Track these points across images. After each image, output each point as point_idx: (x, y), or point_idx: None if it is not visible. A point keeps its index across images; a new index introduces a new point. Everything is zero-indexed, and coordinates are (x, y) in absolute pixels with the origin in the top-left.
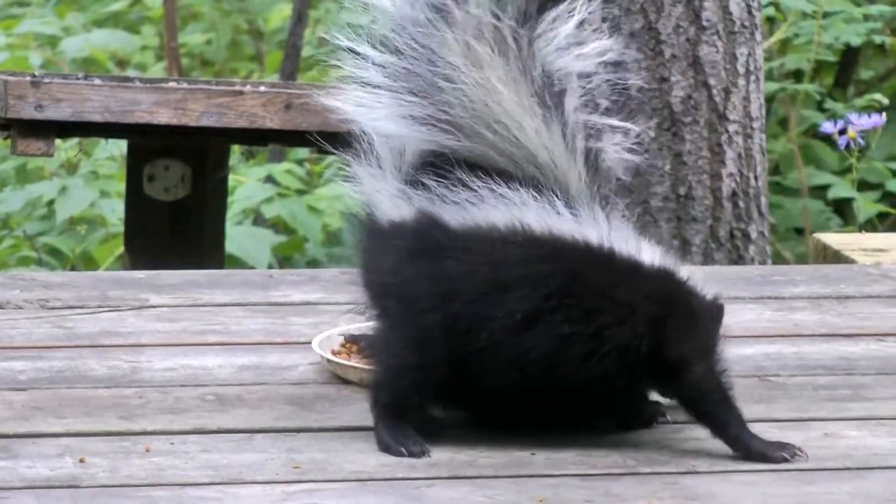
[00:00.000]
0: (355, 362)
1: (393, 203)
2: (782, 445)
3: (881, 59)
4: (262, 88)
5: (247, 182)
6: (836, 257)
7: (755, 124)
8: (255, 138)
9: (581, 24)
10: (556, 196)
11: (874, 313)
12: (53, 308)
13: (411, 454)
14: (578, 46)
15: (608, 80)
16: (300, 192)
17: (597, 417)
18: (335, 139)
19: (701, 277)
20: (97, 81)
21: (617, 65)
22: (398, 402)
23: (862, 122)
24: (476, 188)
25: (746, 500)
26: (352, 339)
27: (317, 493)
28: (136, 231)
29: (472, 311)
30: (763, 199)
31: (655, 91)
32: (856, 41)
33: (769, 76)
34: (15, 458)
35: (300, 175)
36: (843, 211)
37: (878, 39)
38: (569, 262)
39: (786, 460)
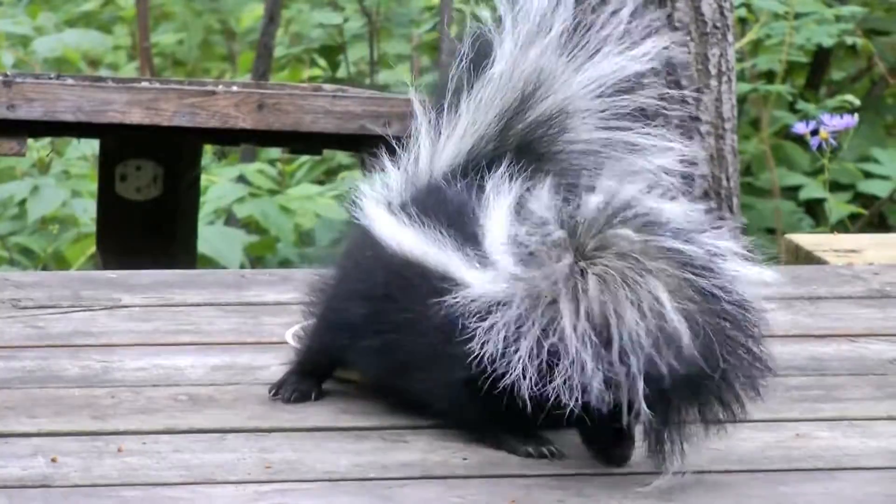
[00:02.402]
0: None
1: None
2: None
3: (853, 60)
4: (235, 88)
5: (219, 182)
6: (807, 258)
7: (727, 125)
8: (227, 138)
9: None
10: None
11: (846, 314)
12: (25, 308)
13: (292, 399)
14: None
15: None
16: (272, 192)
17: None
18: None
19: None
20: (69, 81)
21: None
22: (302, 366)
23: (834, 122)
24: None
25: (720, 501)
26: None
27: (289, 492)
28: (108, 231)
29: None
30: (735, 200)
31: None
32: (827, 42)
33: (741, 77)
34: None
35: (272, 175)
36: (814, 212)
37: (849, 40)
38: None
39: None
